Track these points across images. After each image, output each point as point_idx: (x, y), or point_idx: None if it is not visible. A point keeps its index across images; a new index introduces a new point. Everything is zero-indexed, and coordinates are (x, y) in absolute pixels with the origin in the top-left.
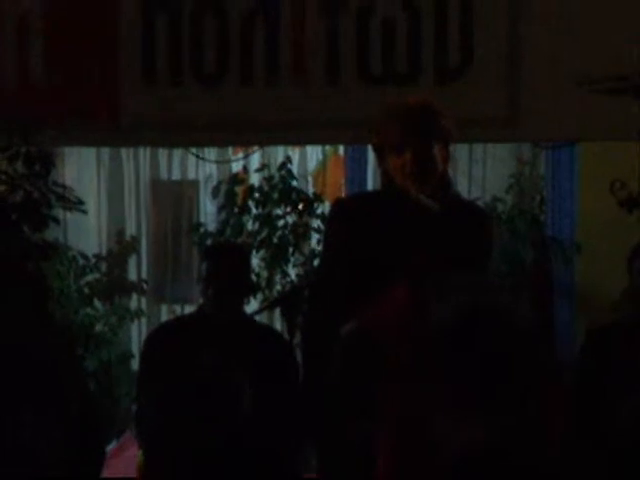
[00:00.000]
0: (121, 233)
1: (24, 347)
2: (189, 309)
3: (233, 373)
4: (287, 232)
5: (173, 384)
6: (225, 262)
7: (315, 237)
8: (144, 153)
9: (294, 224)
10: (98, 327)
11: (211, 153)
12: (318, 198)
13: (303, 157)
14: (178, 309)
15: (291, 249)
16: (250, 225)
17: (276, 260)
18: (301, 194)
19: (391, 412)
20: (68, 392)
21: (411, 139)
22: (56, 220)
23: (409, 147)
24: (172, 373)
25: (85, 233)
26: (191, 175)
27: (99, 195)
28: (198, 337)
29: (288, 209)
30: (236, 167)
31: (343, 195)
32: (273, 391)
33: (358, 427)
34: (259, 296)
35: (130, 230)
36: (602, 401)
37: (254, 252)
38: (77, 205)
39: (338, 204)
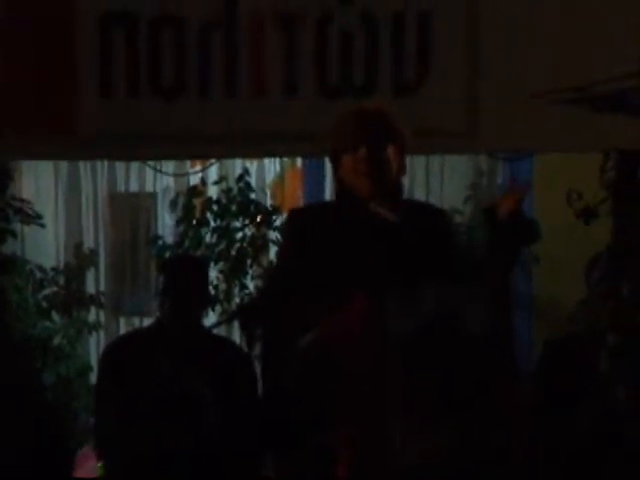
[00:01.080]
0: (79, 246)
1: None
2: (147, 322)
3: (192, 385)
4: (245, 244)
5: (132, 397)
6: (183, 275)
7: (274, 249)
8: (101, 166)
9: (252, 236)
10: (56, 340)
11: (169, 166)
12: (276, 210)
13: (261, 169)
14: (136, 322)
15: (249, 261)
16: (208, 237)
17: (234, 272)
18: (259, 206)
19: (350, 422)
20: (27, 408)
21: (365, 137)
22: (14, 234)
23: (363, 145)
24: (130, 386)
25: (43, 246)
26: (149, 188)
27: (57, 208)
28: (156, 350)
29: (246, 221)
30: (194, 179)
31: None
32: (232, 403)
33: (316, 438)
34: (217, 309)
35: (88, 243)
36: (559, 412)
37: (212, 264)
38: (35, 219)
39: (293, 214)
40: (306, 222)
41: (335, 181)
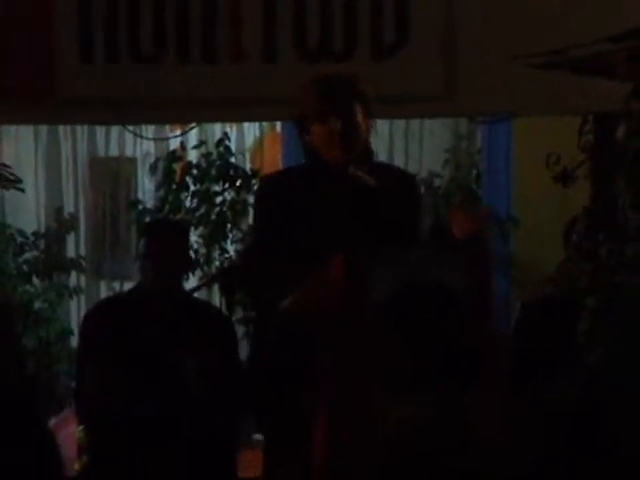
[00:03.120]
0: (59, 210)
1: None
2: (128, 286)
3: (174, 349)
4: (225, 209)
5: (113, 361)
6: (163, 239)
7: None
8: (81, 130)
9: (232, 200)
10: (37, 304)
11: (148, 130)
12: (256, 174)
13: (240, 133)
14: (117, 286)
15: (229, 225)
16: (188, 202)
17: (214, 237)
18: (239, 170)
19: (330, 387)
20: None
21: (338, 108)
22: None
23: (334, 114)
24: (111, 350)
25: (23, 211)
26: (129, 152)
27: (37, 172)
28: (136, 314)
29: (226, 185)
30: (174, 144)
31: None
32: (213, 367)
33: (298, 400)
34: (198, 272)
35: (68, 207)
36: (535, 374)
37: (192, 229)
38: (15, 183)
39: (265, 181)
40: (279, 188)
41: (303, 145)
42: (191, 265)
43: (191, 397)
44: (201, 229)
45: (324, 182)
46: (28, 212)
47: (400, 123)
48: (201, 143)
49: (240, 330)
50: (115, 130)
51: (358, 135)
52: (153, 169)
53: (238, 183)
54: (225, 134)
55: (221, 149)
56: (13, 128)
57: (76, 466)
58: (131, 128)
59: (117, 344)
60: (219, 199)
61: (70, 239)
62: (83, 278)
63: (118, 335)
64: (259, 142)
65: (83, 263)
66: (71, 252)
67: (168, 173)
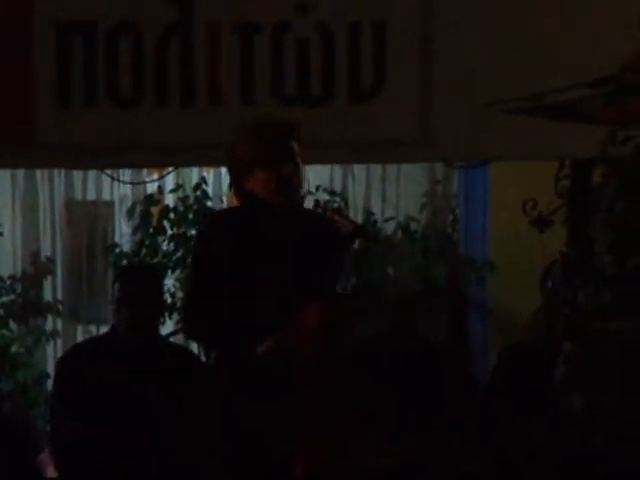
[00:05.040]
0: (36, 254)
1: None
2: (105, 329)
3: (148, 394)
4: None
5: (87, 406)
6: (136, 284)
7: None
8: (59, 174)
9: None
10: (14, 348)
11: (125, 174)
12: None
13: (218, 177)
14: (94, 330)
15: None
16: (165, 245)
17: None
18: None
19: (310, 434)
20: None
21: (289, 154)
22: None
23: (282, 160)
24: (86, 394)
25: (0, 255)
26: (106, 196)
27: (14, 216)
28: (112, 358)
29: None
30: (151, 188)
31: None
32: (188, 412)
33: (277, 449)
34: (175, 316)
35: (45, 251)
36: (512, 420)
37: (169, 272)
38: None
39: (218, 220)
40: (235, 229)
41: (242, 190)
42: (165, 310)
43: (164, 441)
44: (178, 273)
45: (280, 227)
46: (5, 256)
47: (377, 168)
48: (178, 187)
49: None
50: (92, 174)
51: (302, 180)
52: (130, 213)
53: None
54: (202, 178)
55: (198, 193)
56: None
57: None
58: (108, 172)
59: (91, 390)
60: None
61: (47, 283)
62: (60, 322)
63: (92, 379)
64: None
65: (60, 307)
66: (48, 296)
67: (145, 217)
